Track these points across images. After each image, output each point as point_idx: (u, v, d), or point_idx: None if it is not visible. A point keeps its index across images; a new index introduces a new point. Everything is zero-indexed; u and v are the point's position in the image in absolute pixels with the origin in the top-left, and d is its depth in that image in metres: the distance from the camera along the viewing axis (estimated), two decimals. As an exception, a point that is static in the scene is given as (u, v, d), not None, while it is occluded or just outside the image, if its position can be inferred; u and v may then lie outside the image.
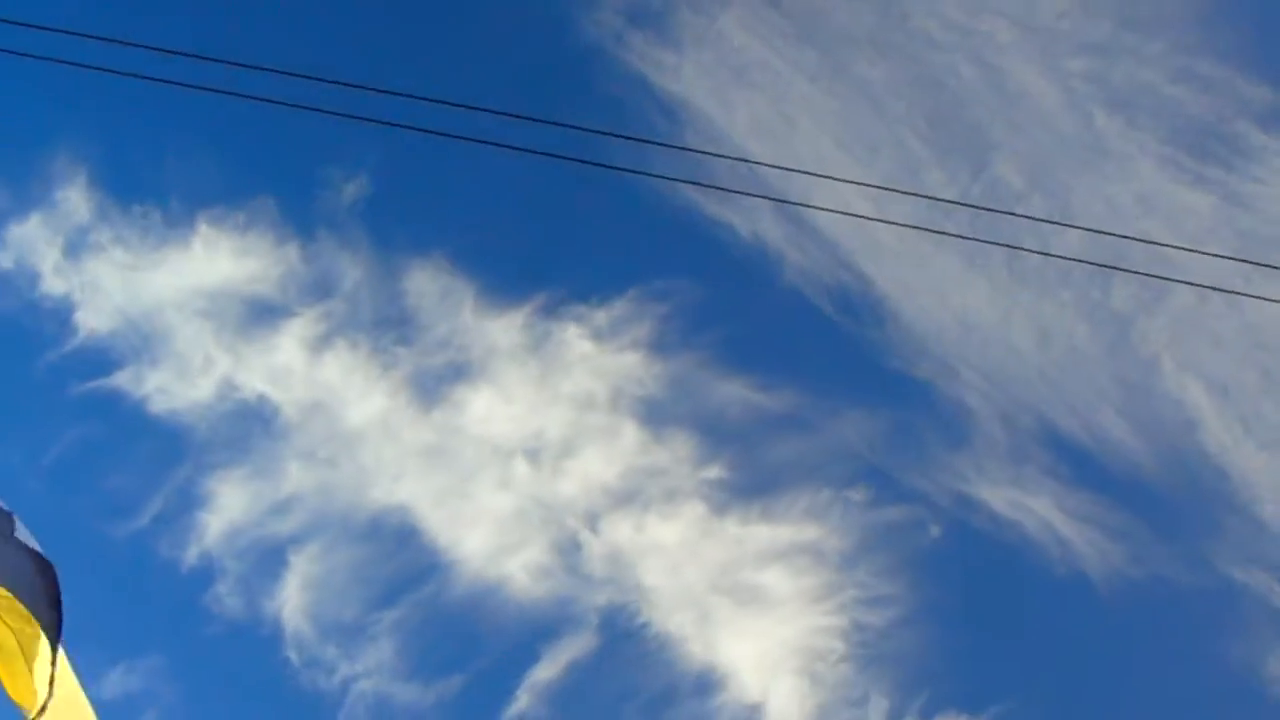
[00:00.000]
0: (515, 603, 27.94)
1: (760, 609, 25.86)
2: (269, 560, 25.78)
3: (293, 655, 24.90)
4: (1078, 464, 24.15)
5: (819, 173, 7.68)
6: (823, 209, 8.77)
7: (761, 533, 25.25)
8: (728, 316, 28.17)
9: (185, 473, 25.31)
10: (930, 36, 23.03)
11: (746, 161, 10.00)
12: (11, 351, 23.85)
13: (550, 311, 27.01)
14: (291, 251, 24.57)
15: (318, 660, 24.72)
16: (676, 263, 29.57)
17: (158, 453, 24.87)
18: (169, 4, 23.56)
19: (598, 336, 25.60)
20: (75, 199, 23.02)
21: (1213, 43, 23.18)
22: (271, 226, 25.06)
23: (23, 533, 6.15)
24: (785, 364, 26.36)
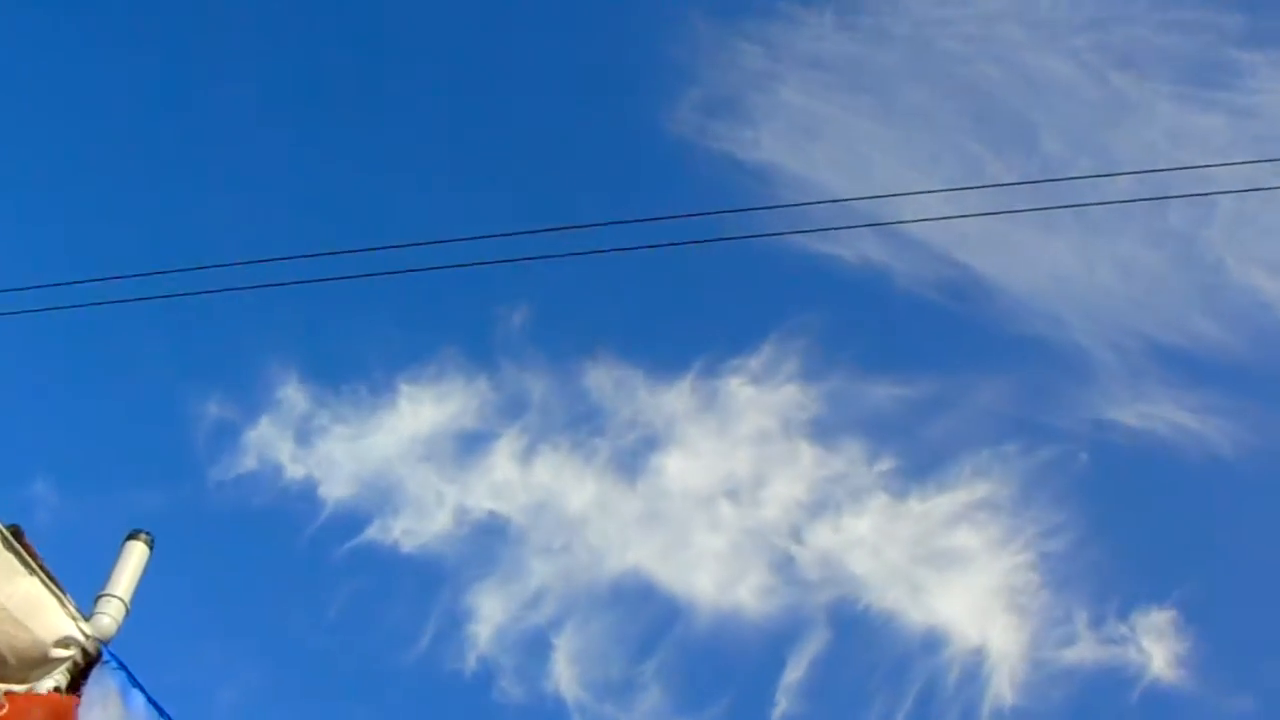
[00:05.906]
0: (752, 623, 30.42)
1: (959, 566, 28.23)
2: (536, 647, 28.55)
3: (579, 720, 27.56)
4: (1185, 367, 26.52)
5: (898, 192, 8.06)
6: (916, 220, 10.12)
7: (941, 502, 27.75)
8: (858, 331, 30.94)
9: (447, 595, 28.31)
10: (955, 53, 25.97)
11: (838, 201, 10.81)
12: (276, 537, 27.07)
13: (711, 371, 29.95)
14: (482, 384, 27.72)
15: (602, 719, 27.34)
16: (802, 300, 32.42)
17: (419, 585, 27.61)
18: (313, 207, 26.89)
19: (756, 380, 28.44)
20: (293, 395, 26.35)
21: (1186, -12, 26.03)
22: (460, 369, 28.23)
23: None
24: (917, 355, 28.96)
